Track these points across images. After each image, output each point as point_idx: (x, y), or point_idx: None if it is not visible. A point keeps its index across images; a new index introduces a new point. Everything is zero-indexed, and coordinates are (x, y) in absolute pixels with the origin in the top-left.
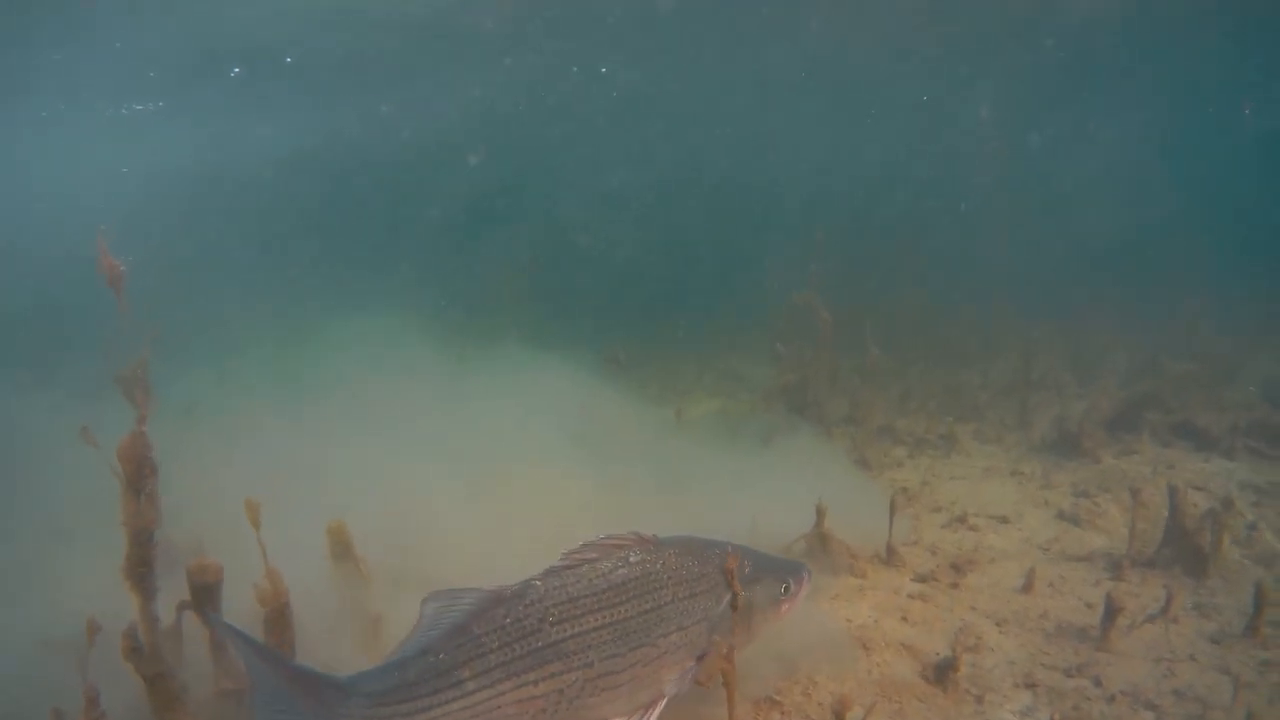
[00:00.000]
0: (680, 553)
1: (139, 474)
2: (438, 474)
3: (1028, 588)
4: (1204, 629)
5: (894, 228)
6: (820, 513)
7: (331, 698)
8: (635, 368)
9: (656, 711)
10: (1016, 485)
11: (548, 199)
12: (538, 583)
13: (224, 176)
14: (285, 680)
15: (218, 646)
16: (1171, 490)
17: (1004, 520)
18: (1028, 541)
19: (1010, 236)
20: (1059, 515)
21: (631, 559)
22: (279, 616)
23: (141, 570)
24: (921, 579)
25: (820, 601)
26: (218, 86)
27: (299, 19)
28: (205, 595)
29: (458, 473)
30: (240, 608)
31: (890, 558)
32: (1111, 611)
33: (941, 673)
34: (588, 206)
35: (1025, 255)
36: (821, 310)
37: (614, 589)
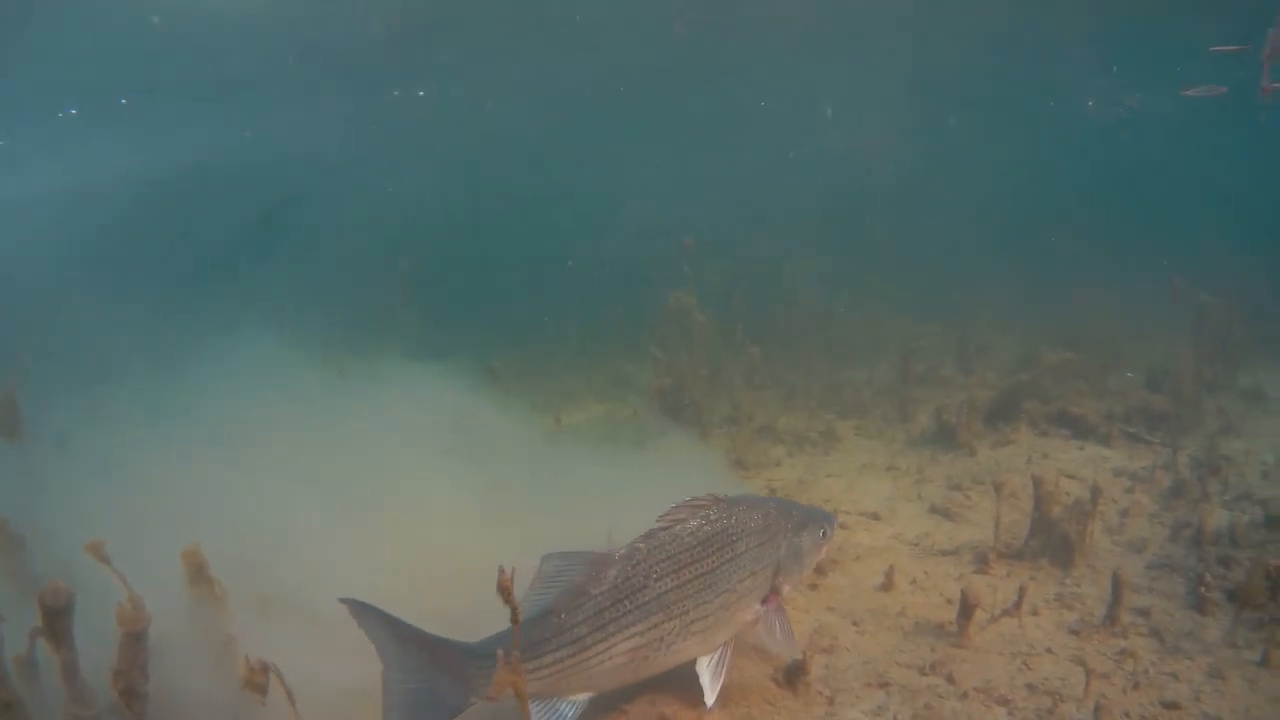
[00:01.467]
0: (746, 508)
1: None
2: (304, 493)
3: (888, 585)
4: (1065, 620)
5: (784, 229)
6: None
7: (462, 663)
8: (526, 375)
9: (730, 650)
10: (892, 480)
11: (429, 209)
12: (641, 545)
13: (83, 201)
14: (417, 651)
15: (70, 674)
16: (1036, 481)
17: (875, 517)
18: (897, 538)
19: (898, 235)
20: (931, 509)
21: (712, 516)
22: (135, 639)
23: None
24: None
25: None
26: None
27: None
28: (57, 620)
29: (326, 490)
30: (100, 629)
31: None
32: (967, 607)
33: (791, 675)
34: (472, 215)
35: (914, 253)
36: (696, 312)
37: (702, 544)
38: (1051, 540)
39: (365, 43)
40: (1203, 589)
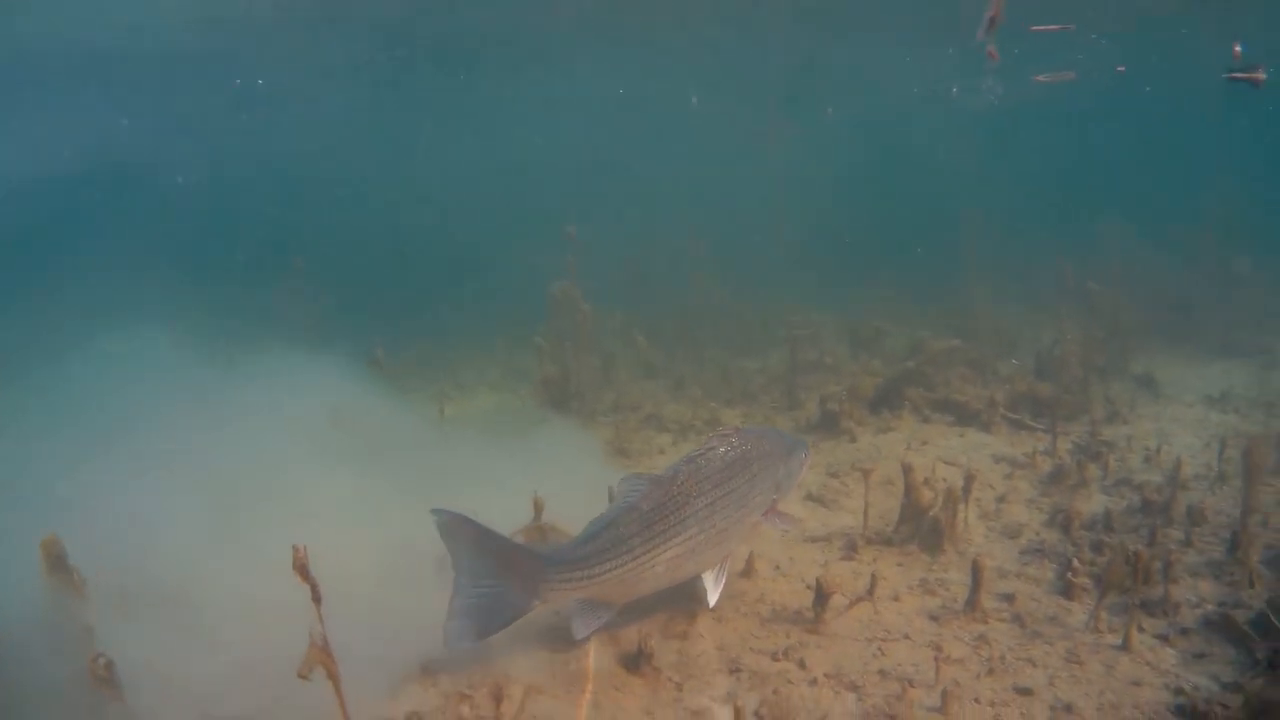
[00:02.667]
0: (756, 436)
1: None
2: (180, 486)
3: (748, 572)
4: (926, 606)
5: (684, 220)
6: (537, 506)
7: (534, 569)
8: (422, 367)
9: (728, 562)
10: None
11: (319, 202)
12: (684, 468)
13: None
14: (494, 558)
15: None
16: (905, 468)
17: None
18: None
19: (796, 225)
20: (807, 496)
21: (735, 444)
22: None
23: None
24: None
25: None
26: None
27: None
28: None
29: (202, 483)
30: None
31: None
32: (823, 594)
33: (639, 662)
34: (363, 207)
35: (813, 243)
36: (580, 301)
37: (728, 467)
38: (921, 527)
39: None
40: (1070, 574)
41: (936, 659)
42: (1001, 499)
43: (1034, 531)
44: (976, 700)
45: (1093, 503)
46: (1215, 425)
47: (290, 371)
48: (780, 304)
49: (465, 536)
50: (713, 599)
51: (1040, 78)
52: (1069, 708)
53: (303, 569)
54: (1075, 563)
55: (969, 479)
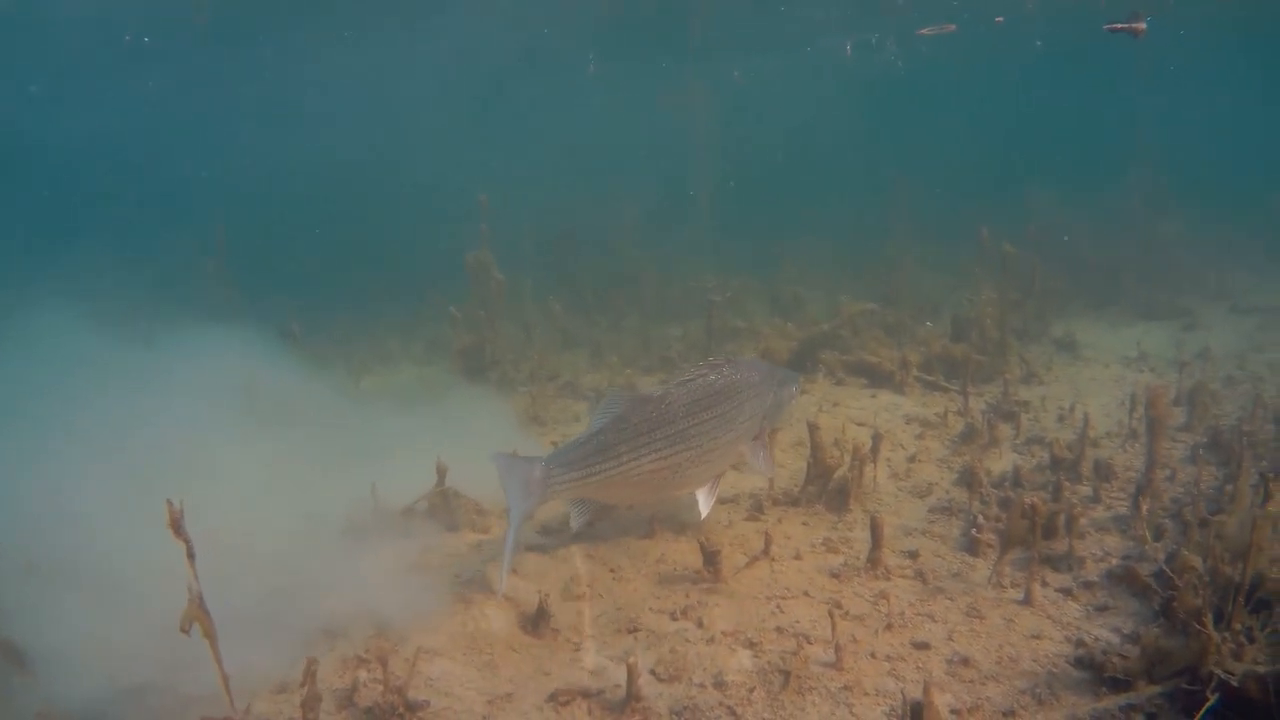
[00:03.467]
0: (745, 367)
1: None
2: (91, 461)
3: (650, 533)
4: (829, 564)
5: (607, 190)
6: (440, 471)
7: (537, 470)
8: (346, 340)
9: (719, 482)
10: None
11: (238, 175)
12: (674, 389)
13: None
14: (519, 472)
15: None
16: (810, 428)
17: None
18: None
19: (723, 191)
20: None
21: (725, 371)
22: None
23: None
24: (546, 531)
25: (431, 559)
26: None
27: None
28: None
29: (114, 458)
30: None
31: None
32: (710, 555)
33: (536, 622)
34: (283, 182)
35: (739, 208)
36: (494, 270)
37: (717, 393)
38: (827, 486)
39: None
40: (975, 531)
41: (832, 614)
42: (912, 458)
43: (944, 490)
44: (873, 655)
45: (1003, 461)
46: (1131, 385)
47: (206, 346)
48: (705, 272)
49: (507, 465)
50: (704, 512)
51: (923, 30)
52: (966, 661)
53: (175, 526)
54: (980, 519)
55: (877, 438)
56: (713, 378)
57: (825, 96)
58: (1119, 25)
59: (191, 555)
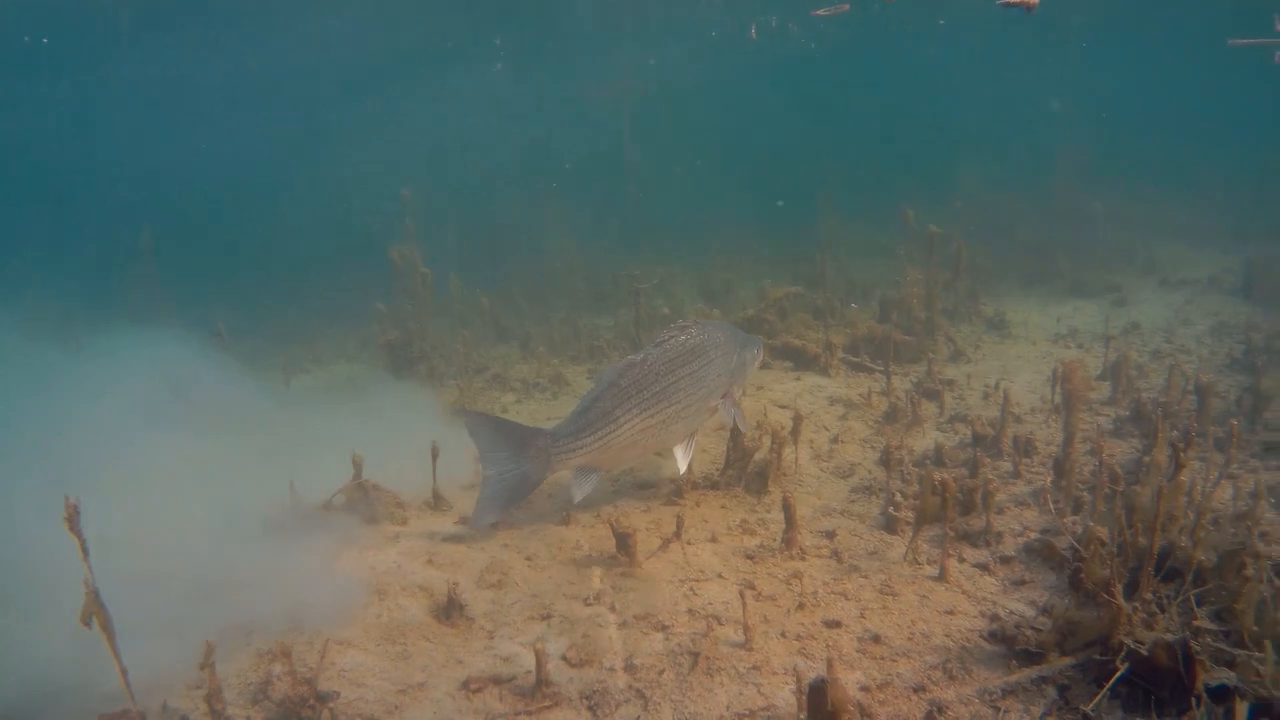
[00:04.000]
0: (712, 328)
1: None
2: (11, 462)
3: (567, 520)
4: (744, 546)
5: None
6: (356, 464)
7: (542, 442)
8: (280, 341)
9: (695, 440)
10: None
11: (167, 178)
12: (653, 350)
13: None
14: (508, 445)
15: None
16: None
17: None
18: (601, 475)
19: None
20: None
21: (693, 332)
22: None
23: None
24: (463, 521)
25: (348, 552)
26: None
27: None
28: None
29: (41, 466)
30: None
31: (438, 503)
32: (624, 539)
33: (449, 612)
34: (211, 182)
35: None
36: (419, 264)
37: (689, 352)
38: (747, 469)
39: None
40: (892, 509)
41: (743, 595)
42: (836, 440)
43: (866, 470)
44: (783, 634)
45: (927, 439)
46: (1058, 361)
47: (135, 348)
48: (638, 262)
49: (485, 428)
50: (682, 468)
51: (818, 11)
52: (877, 638)
53: (70, 522)
54: (898, 497)
55: (797, 420)
56: (683, 338)
57: (745, 81)
58: (1012, 0)
59: (85, 552)
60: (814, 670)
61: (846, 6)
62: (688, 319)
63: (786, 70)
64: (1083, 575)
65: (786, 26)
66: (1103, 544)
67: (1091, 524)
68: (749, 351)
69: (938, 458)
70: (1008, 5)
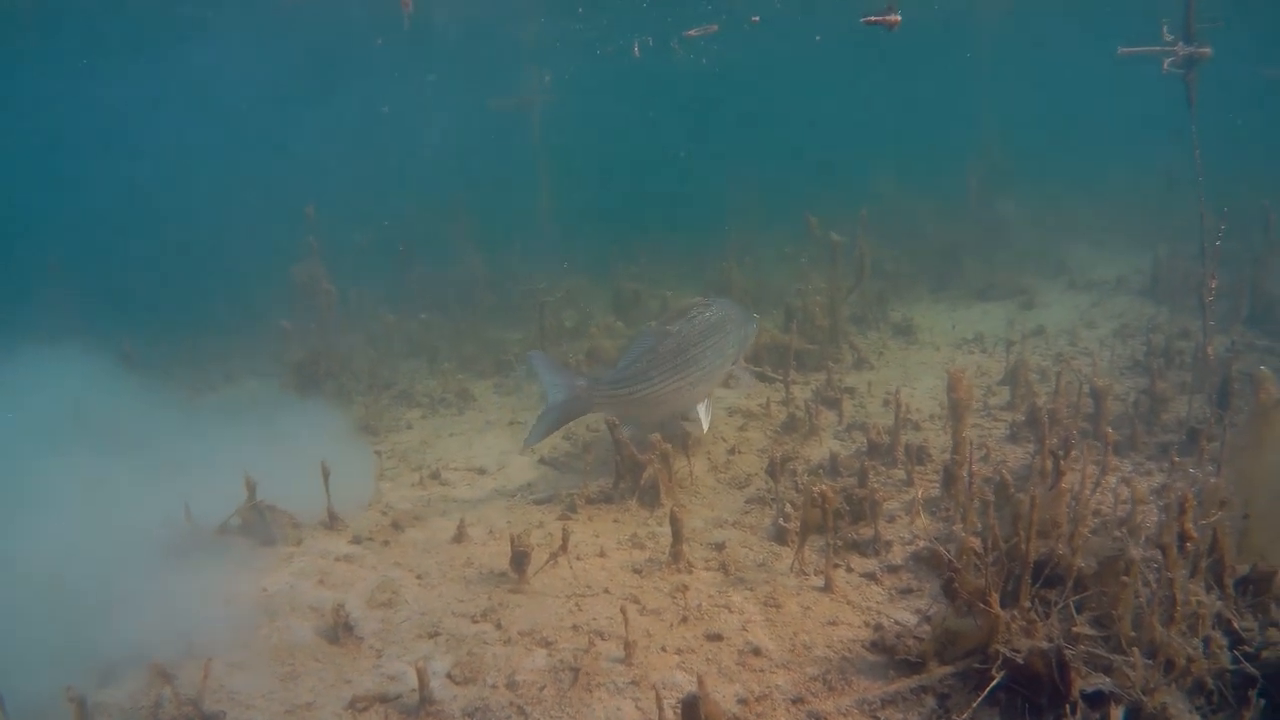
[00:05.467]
0: (726, 305)
1: None
2: None
3: (459, 538)
4: (633, 560)
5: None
6: (249, 486)
7: (585, 384)
8: (190, 359)
9: (711, 400)
10: (510, 435)
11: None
12: (683, 324)
13: None
14: (566, 377)
15: None
16: (610, 426)
17: (482, 471)
18: (499, 491)
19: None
20: (541, 461)
21: (714, 308)
22: None
23: None
24: (358, 540)
25: (242, 574)
26: None
27: None
28: None
29: None
30: None
31: (333, 523)
32: (519, 555)
33: (337, 632)
34: (112, 205)
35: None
36: (324, 281)
37: (711, 325)
38: (639, 483)
39: None
40: (782, 520)
41: (624, 610)
42: (733, 450)
43: (762, 481)
44: (664, 649)
45: (823, 449)
46: (961, 366)
47: (38, 369)
48: (547, 274)
49: (546, 365)
50: (705, 425)
51: (690, 32)
52: (757, 650)
53: None
54: (789, 508)
55: (685, 434)
56: (707, 314)
57: (646, 96)
58: (874, 18)
59: None
60: (692, 684)
61: (715, 27)
62: (704, 297)
63: (683, 85)
64: (956, 585)
65: (669, 45)
66: (976, 554)
67: (963, 533)
68: (750, 327)
69: (833, 467)
70: (870, 23)
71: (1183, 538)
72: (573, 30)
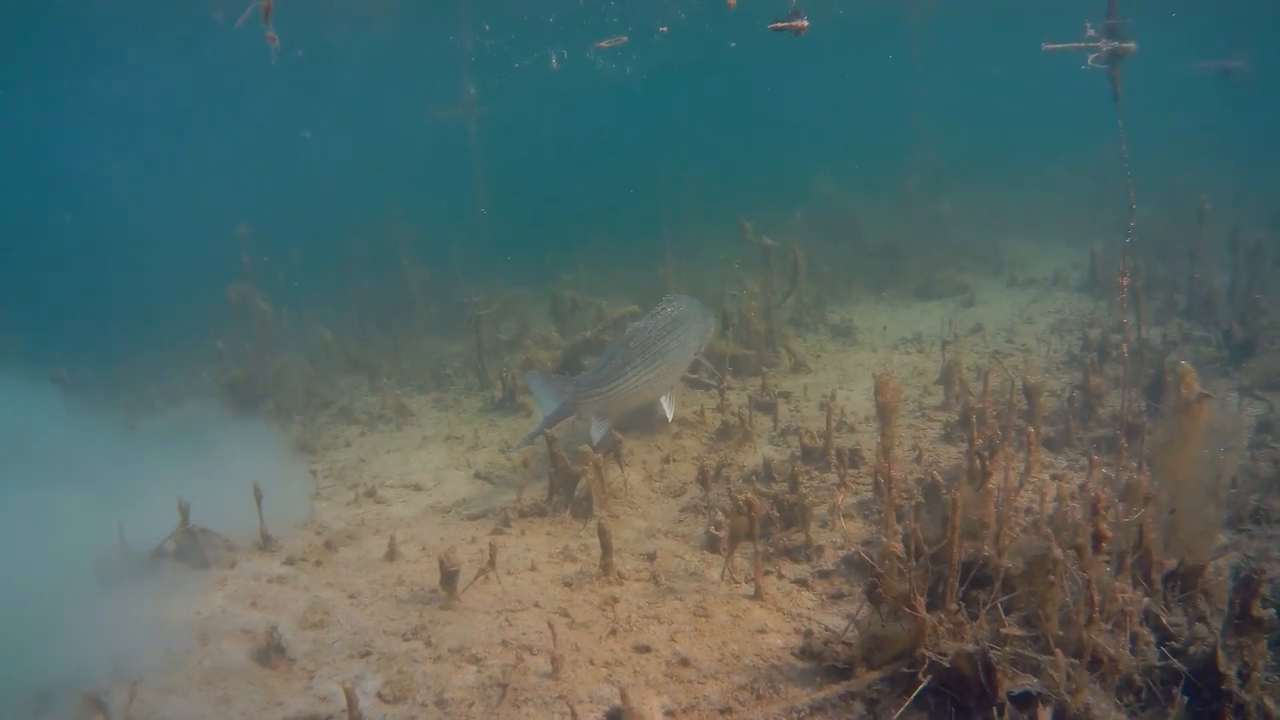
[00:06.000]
0: (686, 302)
1: None
2: None
3: (392, 556)
4: (564, 573)
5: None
6: (181, 510)
7: (571, 388)
8: (131, 381)
9: (676, 391)
10: (447, 450)
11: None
12: (649, 321)
13: None
14: (551, 387)
15: None
16: (547, 439)
17: (418, 488)
18: (433, 507)
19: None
20: (476, 475)
21: (677, 305)
22: None
23: None
24: (291, 561)
25: (175, 599)
26: None
27: None
28: None
29: None
30: None
31: (267, 544)
32: (447, 572)
33: (269, 655)
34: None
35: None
36: (259, 300)
37: (675, 320)
38: (573, 494)
39: None
40: (714, 528)
41: (551, 625)
42: (668, 459)
43: (697, 489)
44: (591, 662)
45: (758, 455)
46: (898, 367)
47: None
48: (484, 286)
49: (539, 382)
50: (670, 414)
51: (601, 44)
52: (685, 661)
53: None
54: (720, 515)
55: (618, 443)
56: (670, 310)
57: (577, 107)
58: (781, 24)
59: None
60: (618, 698)
61: (624, 38)
62: (671, 294)
63: (616, 94)
64: (880, 590)
65: (584, 57)
66: (899, 558)
67: (885, 539)
68: (708, 321)
69: (767, 473)
70: (778, 29)
71: (1097, 538)
72: (485, 46)
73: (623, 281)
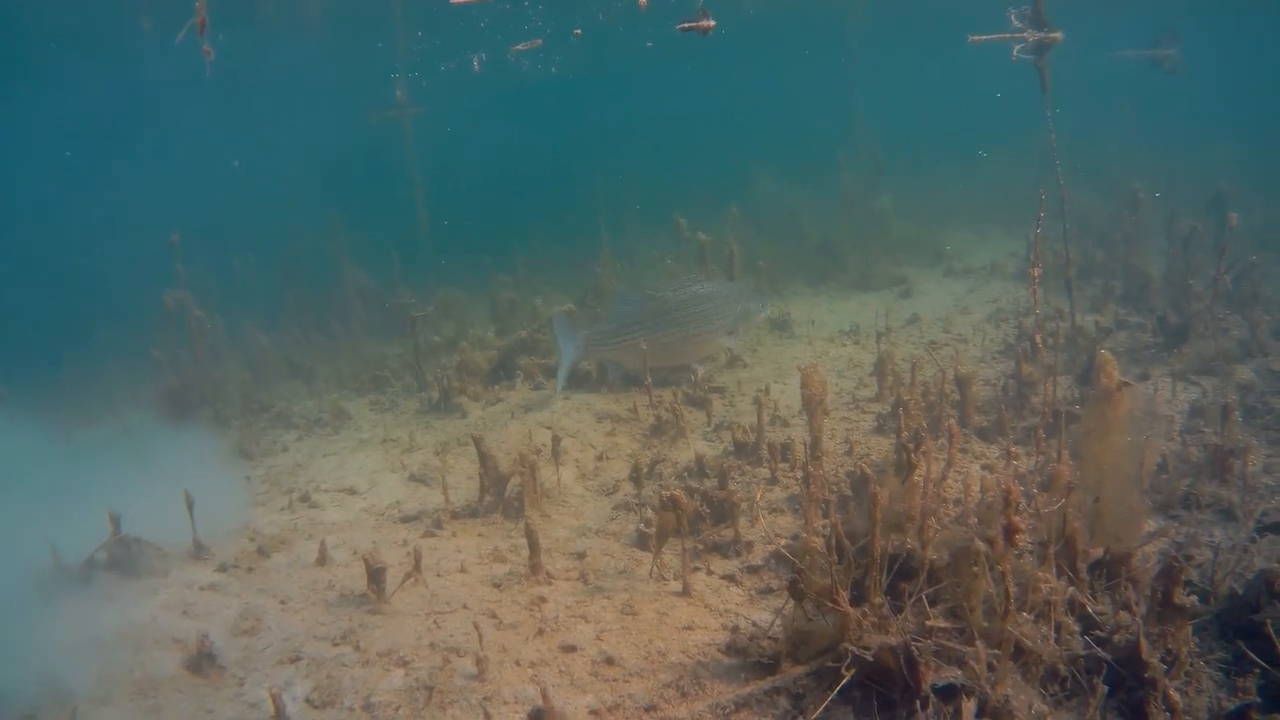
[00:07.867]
0: (721, 283)
1: None
2: None
3: (322, 560)
4: (493, 574)
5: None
6: (112, 520)
7: (583, 336)
8: (71, 392)
9: (709, 361)
10: (383, 453)
11: None
12: (669, 292)
13: None
14: (571, 333)
15: None
16: (476, 440)
17: (352, 492)
18: (368, 510)
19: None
20: (411, 478)
21: (706, 284)
22: None
23: None
24: (223, 569)
25: (106, 609)
26: None
27: None
28: None
29: None
30: None
31: (199, 552)
32: (376, 574)
33: (200, 663)
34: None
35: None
36: (193, 308)
37: (700, 296)
38: (504, 495)
39: None
40: (644, 526)
41: (477, 626)
42: (601, 456)
43: (630, 486)
44: (517, 663)
45: (690, 450)
46: (834, 360)
47: None
48: (420, 287)
49: (563, 327)
50: (698, 375)
51: (516, 47)
52: (611, 660)
53: None
54: (649, 512)
55: (556, 440)
56: (696, 288)
57: (508, 108)
58: (689, 24)
59: None
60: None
61: (540, 41)
62: (704, 272)
63: (545, 95)
64: (801, 585)
65: (505, 58)
66: (820, 553)
67: (805, 534)
68: (754, 303)
69: (699, 468)
70: (686, 29)
71: (1009, 529)
72: (412, 49)
73: (560, 281)
